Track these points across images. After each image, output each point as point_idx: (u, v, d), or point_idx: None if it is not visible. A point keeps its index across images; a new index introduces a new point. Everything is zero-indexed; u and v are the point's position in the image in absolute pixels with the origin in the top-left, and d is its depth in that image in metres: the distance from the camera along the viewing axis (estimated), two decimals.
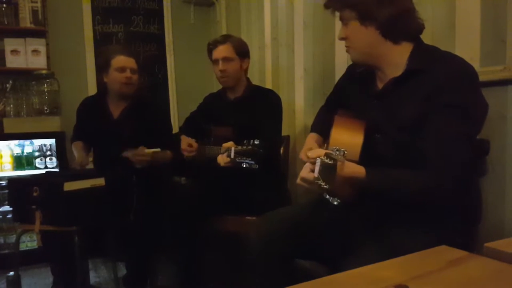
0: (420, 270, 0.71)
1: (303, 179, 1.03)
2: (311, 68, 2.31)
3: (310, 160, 1.41)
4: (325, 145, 1.44)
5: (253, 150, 1.60)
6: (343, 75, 1.52)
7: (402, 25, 1.17)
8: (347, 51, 1.27)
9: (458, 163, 1.07)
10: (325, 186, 0.93)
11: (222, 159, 1.70)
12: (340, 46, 2.05)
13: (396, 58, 1.19)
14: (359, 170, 1.07)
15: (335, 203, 0.97)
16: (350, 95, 1.38)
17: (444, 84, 1.07)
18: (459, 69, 1.10)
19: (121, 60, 2.12)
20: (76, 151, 2.24)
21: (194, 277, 1.96)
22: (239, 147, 1.63)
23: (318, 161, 0.94)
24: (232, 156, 1.62)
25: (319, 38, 2.22)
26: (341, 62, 2.06)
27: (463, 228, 1.15)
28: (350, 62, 1.98)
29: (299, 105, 2.42)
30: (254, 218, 1.78)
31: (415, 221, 1.12)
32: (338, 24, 2.04)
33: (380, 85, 1.25)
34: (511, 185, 1.31)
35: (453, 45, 1.43)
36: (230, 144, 1.68)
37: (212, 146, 2.02)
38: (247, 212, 1.86)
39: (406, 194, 1.09)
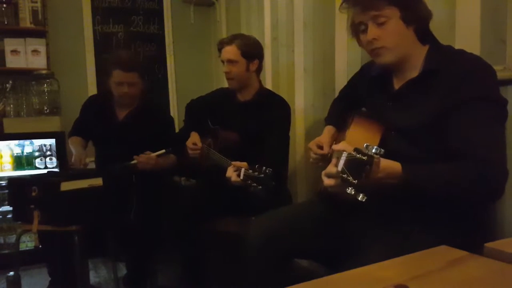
0: (420, 270, 0.71)
1: (326, 174, 1.00)
2: (311, 68, 2.31)
3: (317, 152, 1.41)
4: (334, 142, 1.43)
5: (265, 180, 1.50)
6: (357, 74, 1.50)
7: (428, 27, 1.19)
8: (375, 53, 1.19)
9: (504, 150, 1.05)
10: (353, 181, 0.89)
11: (234, 176, 1.59)
12: (340, 46, 2.06)
13: (416, 60, 1.19)
14: (393, 165, 1.02)
15: (360, 198, 0.91)
16: (364, 95, 1.38)
17: (465, 78, 1.07)
18: (478, 62, 1.11)
19: (119, 75, 2.07)
20: (74, 147, 2.21)
21: (195, 277, 1.96)
22: (250, 171, 1.53)
23: (344, 155, 0.91)
24: (242, 177, 1.54)
25: (319, 38, 2.22)
26: (341, 62, 2.05)
27: (463, 228, 1.14)
28: (350, 62, 2.01)
29: (299, 105, 2.42)
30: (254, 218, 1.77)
31: (416, 221, 1.12)
32: (338, 24, 2.07)
33: (396, 87, 1.25)
34: (511, 185, 1.30)
35: (453, 45, 1.42)
36: (242, 164, 1.58)
37: (216, 152, 1.96)
38: (248, 213, 1.85)
39: (451, 188, 1.04)
